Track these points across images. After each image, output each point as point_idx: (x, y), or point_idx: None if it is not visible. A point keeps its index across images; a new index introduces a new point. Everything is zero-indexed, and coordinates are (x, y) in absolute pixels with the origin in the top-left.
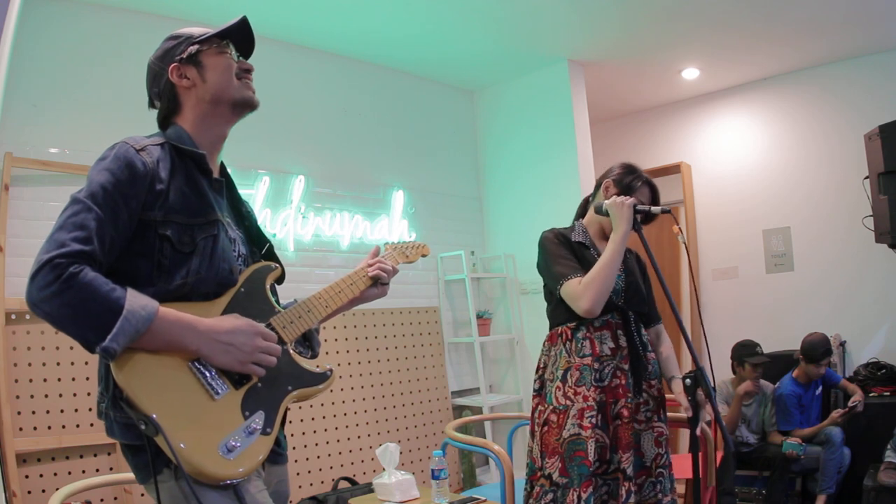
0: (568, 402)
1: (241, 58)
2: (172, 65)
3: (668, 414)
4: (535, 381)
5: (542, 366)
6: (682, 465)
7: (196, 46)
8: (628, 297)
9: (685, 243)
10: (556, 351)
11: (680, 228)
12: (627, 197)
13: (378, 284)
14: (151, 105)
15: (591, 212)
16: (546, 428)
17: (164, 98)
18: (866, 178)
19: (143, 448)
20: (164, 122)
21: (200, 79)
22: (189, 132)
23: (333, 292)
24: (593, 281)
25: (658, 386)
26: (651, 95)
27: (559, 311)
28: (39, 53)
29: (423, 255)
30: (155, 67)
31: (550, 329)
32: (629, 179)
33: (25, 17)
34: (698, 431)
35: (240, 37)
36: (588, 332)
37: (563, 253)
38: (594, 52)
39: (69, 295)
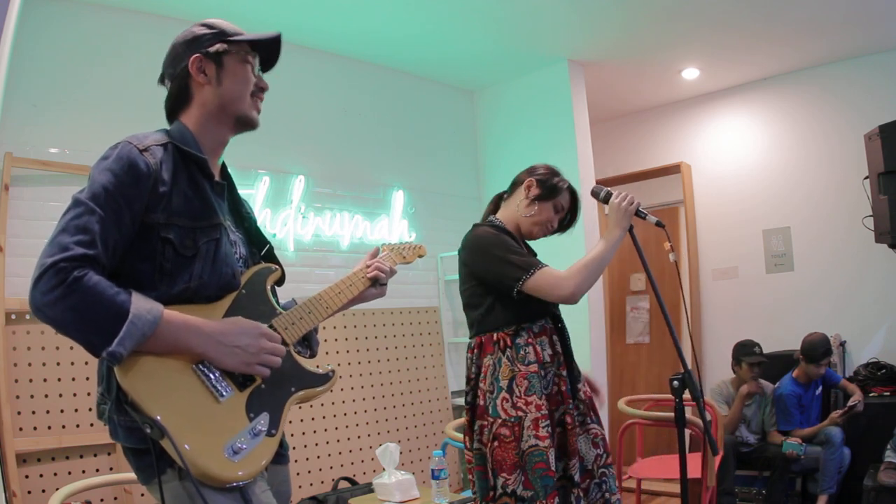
0: (520, 414)
1: (260, 71)
2: (195, 55)
3: (657, 413)
4: (466, 393)
5: (472, 375)
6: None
7: (224, 45)
8: None
9: (675, 262)
10: (494, 359)
11: (672, 245)
12: (632, 198)
13: (377, 285)
14: (161, 82)
15: (506, 209)
16: (497, 443)
17: (176, 84)
18: (866, 178)
19: (148, 450)
20: (171, 113)
21: (216, 80)
22: (193, 132)
23: (333, 293)
24: (584, 268)
25: (585, 389)
26: (651, 95)
27: (494, 314)
28: (39, 53)
29: (420, 256)
30: (178, 49)
31: (479, 335)
32: (554, 181)
33: (25, 17)
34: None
35: (268, 51)
36: (529, 337)
37: (517, 247)
38: (594, 52)
39: (74, 299)
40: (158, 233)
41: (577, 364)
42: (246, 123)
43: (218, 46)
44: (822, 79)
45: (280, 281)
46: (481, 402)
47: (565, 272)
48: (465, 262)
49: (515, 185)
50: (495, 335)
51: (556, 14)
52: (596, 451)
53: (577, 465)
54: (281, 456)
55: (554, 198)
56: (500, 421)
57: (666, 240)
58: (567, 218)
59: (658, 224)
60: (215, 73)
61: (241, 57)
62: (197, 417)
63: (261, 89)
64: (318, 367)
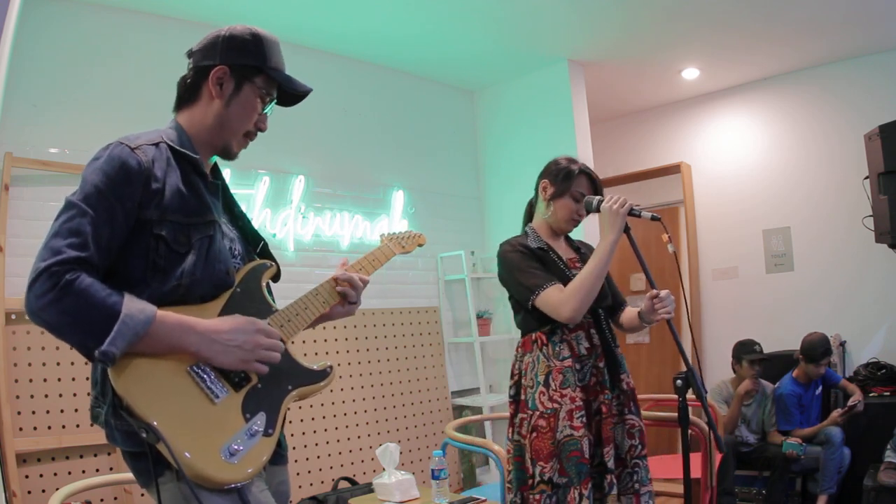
0: (555, 406)
1: (269, 110)
2: (223, 67)
3: (660, 414)
4: (510, 387)
5: (516, 372)
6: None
7: (255, 72)
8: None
9: (675, 253)
10: (533, 357)
11: (669, 237)
12: (623, 199)
13: (345, 303)
14: (189, 56)
15: (537, 215)
16: (535, 434)
17: (193, 76)
18: (866, 178)
19: (145, 454)
20: (177, 105)
21: (226, 101)
22: (189, 132)
23: (329, 286)
24: (579, 289)
25: (627, 380)
26: (651, 95)
27: (530, 318)
28: (39, 53)
29: (420, 245)
30: (218, 45)
31: (522, 336)
32: (563, 175)
33: (25, 17)
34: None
35: (291, 99)
36: (564, 335)
37: (530, 264)
38: (594, 52)
39: (66, 302)
40: (151, 229)
41: (619, 354)
42: (225, 155)
43: (249, 69)
44: (822, 79)
45: (276, 277)
46: (523, 397)
47: (564, 294)
48: (499, 277)
49: (537, 187)
50: (533, 335)
51: (556, 14)
52: (630, 441)
53: (612, 453)
54: (279, 456)
55: (569, 191)
56: (538, 413)
57: (664, 232)
58: None
59: (654, 218)
60: (229, 94)
61: (261, 92)
62: (192, 420)
63: (258, 130)
64: (315, 363)
